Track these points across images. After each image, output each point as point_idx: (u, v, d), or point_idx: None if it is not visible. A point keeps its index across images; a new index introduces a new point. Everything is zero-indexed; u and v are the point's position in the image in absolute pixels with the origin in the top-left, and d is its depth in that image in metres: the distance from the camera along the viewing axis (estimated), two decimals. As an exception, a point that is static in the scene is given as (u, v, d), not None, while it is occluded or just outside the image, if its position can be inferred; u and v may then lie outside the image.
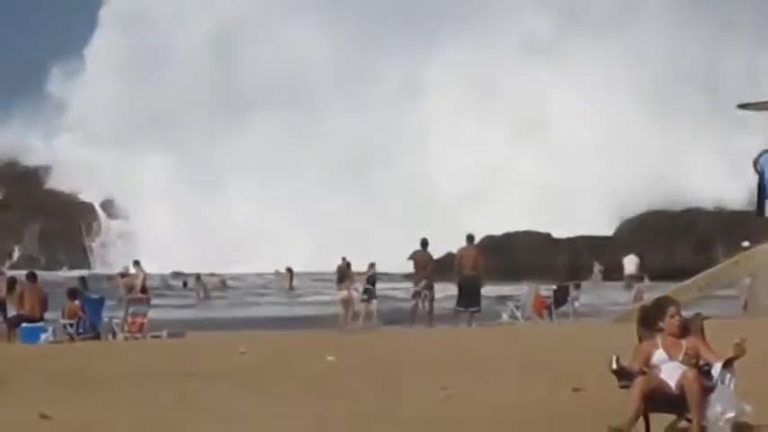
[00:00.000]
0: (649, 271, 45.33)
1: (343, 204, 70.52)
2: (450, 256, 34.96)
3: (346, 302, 31.70)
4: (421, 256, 30.24)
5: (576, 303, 34.23)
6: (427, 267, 30.06)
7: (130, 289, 32.39)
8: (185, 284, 51.70)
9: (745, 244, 31.55)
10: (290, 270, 54.61)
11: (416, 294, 30.07)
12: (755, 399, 11.26)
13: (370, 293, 31.52)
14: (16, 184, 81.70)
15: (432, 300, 30.01)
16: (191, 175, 76.98)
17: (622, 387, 11.22)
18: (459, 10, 75.83)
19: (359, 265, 32.95)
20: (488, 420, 12.67)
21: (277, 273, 55.94)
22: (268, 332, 29.21)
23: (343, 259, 32.59)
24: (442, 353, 20.67)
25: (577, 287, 35.96)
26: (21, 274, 32.39)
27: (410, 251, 30.86)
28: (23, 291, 28.36)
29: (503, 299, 34.88)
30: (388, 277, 42.78)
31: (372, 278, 32.08)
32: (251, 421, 12.90)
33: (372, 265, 32.40)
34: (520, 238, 64.35)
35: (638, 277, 43.00)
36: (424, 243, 30.38)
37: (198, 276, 50.19)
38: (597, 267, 51.26)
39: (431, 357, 19.49)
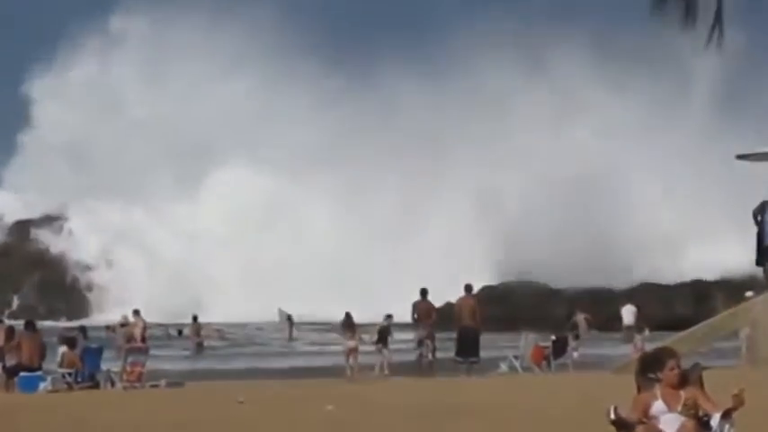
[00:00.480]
0: (648, 321, 45.26)
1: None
2: (449, 305, 35.17)
3: (351, 353, 32.07)
4: (422, 306, 30.40)
5: (575, 354, 34.31)
6: (429, 317, 30.27)
7: (129, 338, 32.40)
8: (180, 333, 51.09)
9: (749, 294, 31.76)
10: (290, 318, 54.16)
11: (420, 344, 30.33)
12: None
13: (383, 343, 31.94)
14: (15, 234, 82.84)
15: (434, 350, 30.26)
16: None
17: (620, 438, 11.26)
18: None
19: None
20: None
21: (280, 311, 55.38)
22: (267, 381, 29.39)
23: (347, 313, 32.98)
24: (442, 403, 20.80)
25: (576, 338, 36.06)
26: (19, 323, 32.41)
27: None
28: (22, 340, 28.44)
29: (502, 349, 34.71)
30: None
31: (386, 329, 32.43)
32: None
33: (389, 317, 32.98)
34: (518, 289, 64.85)
35: (638, 328, 42.60)
36: (424, 293, 30.59)
37: (195, 317, 48.59)
38: (581, 316, 49.79)
39: (431, 407, 19.49)
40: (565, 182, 68.86)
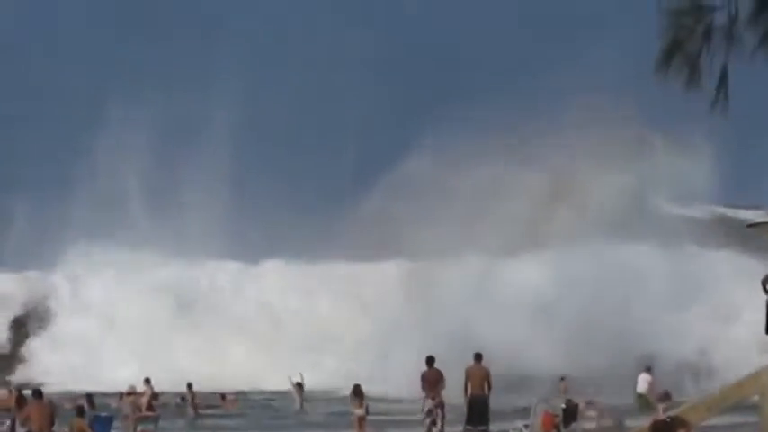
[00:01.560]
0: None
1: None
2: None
3: (360, 421, 32.32)
4: (430, 374, 30.10)
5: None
6: (437, 385, 29.94)
7: (138, 407, 32.30)
8: (183, 399, 49.99)
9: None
10: (300, 385, 51.39)
11: (429, 413, 30.00)
12: None
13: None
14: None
15: (443, 418, 29.90)
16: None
17: None
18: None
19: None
20: None
21: (294, 383, 53.62)
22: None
23: (356, 385, 33.70)
24: None
25: (589, 404, 35.51)
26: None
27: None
28: (31, 408, 28.34)
29: (512, 419, 34.33)
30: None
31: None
32: None
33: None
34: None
35: (663, 396, 39.79)
36: (430, 361, 30.22)
37: (189, 385, 46.47)
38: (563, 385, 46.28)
39: None
40: None
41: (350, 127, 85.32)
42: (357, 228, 70.13)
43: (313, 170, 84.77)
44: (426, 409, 30.07)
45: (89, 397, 32.08)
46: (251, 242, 78.61)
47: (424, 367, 30.10)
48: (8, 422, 30.18)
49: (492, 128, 64.23)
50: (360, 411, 32.86)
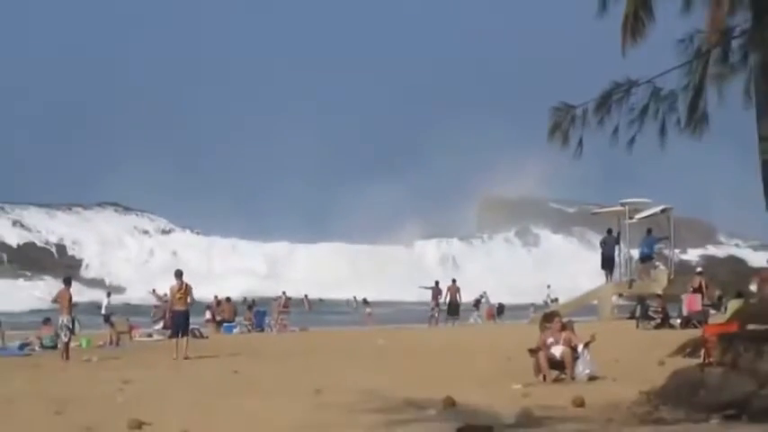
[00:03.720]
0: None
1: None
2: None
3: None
4: (452, 289, 53.50)
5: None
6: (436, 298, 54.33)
7: (279, 306, 53.45)
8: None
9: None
10: (365, 301, 64.62)
11: (432, 309, 54.29)
12: (600, 363, 20.59)
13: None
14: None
15: (438, 314, 53.83)
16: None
17: (532, 357, 20.40)
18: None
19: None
20: (464, 375, 21.24)
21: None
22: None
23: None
24: (438, 340, 36.22)
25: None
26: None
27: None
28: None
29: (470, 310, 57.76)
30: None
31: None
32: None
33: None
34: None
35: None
36: (435, 284, 53.97)
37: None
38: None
39: (432, 341, 35.02)
40: None
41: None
42: None
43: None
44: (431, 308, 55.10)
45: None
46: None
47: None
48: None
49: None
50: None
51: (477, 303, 58.78)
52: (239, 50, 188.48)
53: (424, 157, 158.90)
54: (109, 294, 47.29)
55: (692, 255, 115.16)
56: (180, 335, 30.54)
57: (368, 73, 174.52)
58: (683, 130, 20.28)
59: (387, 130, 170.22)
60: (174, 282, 30.93)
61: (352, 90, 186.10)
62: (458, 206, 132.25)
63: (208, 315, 51.54)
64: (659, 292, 43.18)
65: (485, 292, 60.93)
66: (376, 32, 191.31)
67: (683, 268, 68.20)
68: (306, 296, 70.66)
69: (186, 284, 30.61)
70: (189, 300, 30.78)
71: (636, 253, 49.82)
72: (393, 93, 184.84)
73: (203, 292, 56.82)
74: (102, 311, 44.58)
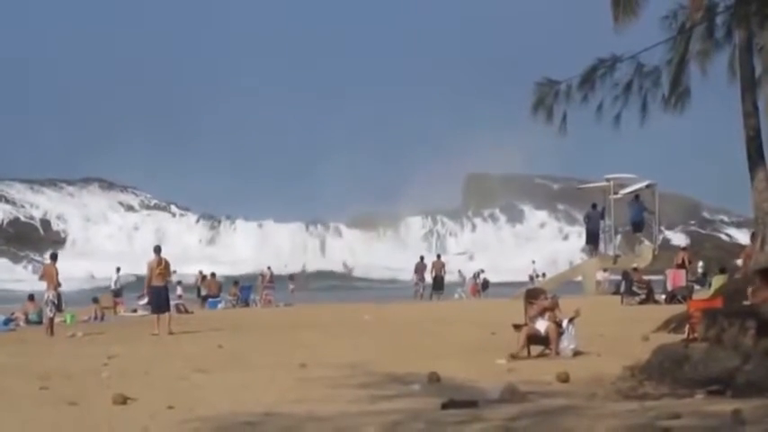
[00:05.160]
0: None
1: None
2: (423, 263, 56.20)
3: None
4: (437, 264, 54.62)
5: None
6: (421, 272, 55.15)
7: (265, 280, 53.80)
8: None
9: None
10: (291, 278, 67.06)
11: (416, 285, 54.55)
12: (585, 338, 20.58)
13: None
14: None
15: (424, 289, 54.00)
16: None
17: (517, 332, 20.43)
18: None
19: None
20: (448, 350, 21.48)
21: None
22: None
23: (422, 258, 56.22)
24: (424, 315, 36.53)
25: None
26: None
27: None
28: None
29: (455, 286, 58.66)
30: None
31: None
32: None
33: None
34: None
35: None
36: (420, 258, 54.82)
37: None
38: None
39: (417, 316, 35.35)
40: None
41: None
42: None
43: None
44: (415, 282, 54.74)
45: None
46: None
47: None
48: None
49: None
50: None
51: (476, 277, 58.72)
52: (228, 27, 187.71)
53: (410, 135, 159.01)
54: (118, 270, 47.74)
55: (676, 231, 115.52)
56: (161, 310, 30.47)
57: (349, 49, 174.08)
58: (666, 106, 20.31)
59: (370, 107, 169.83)
60: (152, 257, 30.78)
61: (336, 68, 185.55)
62: (444, 183, 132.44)
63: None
64: (634, 265, 43.24)
65: (482, 269, 61.22)
66: (358, 9, 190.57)
67: (666, 243, 68.51)
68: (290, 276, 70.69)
69: (165, 260, 30.52)
70: (168, 275, 30.80)
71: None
72: (375, 72, 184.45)
73: (193, 269, 57.20)
74: (112, 287, 45.28)
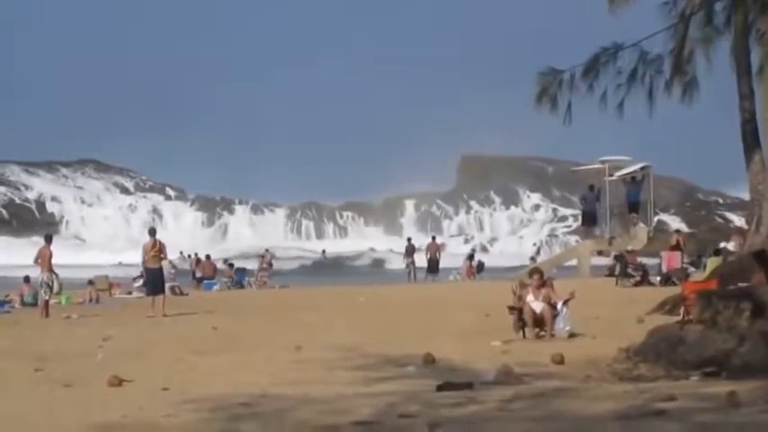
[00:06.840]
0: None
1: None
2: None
3: None
4: (431, 246, 54.03)
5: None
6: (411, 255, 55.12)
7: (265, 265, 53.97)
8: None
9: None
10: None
11: (408, 266, 54.63)
12: (580, 320, 20.59)
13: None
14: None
15: (415, 269, 54.08)
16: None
17: (511, 313, 20.44)
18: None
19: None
20: (443, 332, 21.49)
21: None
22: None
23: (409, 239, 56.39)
24: (419, 297, 36.55)
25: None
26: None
27: None
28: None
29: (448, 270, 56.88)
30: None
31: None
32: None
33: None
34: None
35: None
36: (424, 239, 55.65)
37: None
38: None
39: (412, 298, 35.41)
40: None
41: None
42: None
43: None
44: (406, 264, 55.36)
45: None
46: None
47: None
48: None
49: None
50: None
51: (471, 258, 57.94)
52: (229, 15, 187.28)
53: (404, 117, 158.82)
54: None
55: (672, 213, 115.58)
56: (156, 292, 30.41)
57: (348, 40, 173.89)
58: (670, 94, 20.30)
59: (366, 89, 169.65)
60: (147, 239, 30.84)
61: (330, 57, 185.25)
62: (438, 165, 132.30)
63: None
64: (629, 248, 43.24)
65: (474, 249, 62.02)
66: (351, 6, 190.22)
67: (662, 225, 68.63)
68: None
69: (159, 242, 30.53)
70: (162, 257, 30.84)
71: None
72: (369, 55, 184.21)
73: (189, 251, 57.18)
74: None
